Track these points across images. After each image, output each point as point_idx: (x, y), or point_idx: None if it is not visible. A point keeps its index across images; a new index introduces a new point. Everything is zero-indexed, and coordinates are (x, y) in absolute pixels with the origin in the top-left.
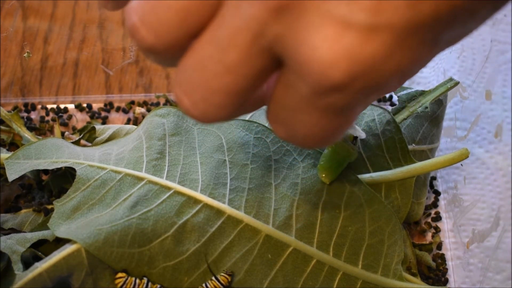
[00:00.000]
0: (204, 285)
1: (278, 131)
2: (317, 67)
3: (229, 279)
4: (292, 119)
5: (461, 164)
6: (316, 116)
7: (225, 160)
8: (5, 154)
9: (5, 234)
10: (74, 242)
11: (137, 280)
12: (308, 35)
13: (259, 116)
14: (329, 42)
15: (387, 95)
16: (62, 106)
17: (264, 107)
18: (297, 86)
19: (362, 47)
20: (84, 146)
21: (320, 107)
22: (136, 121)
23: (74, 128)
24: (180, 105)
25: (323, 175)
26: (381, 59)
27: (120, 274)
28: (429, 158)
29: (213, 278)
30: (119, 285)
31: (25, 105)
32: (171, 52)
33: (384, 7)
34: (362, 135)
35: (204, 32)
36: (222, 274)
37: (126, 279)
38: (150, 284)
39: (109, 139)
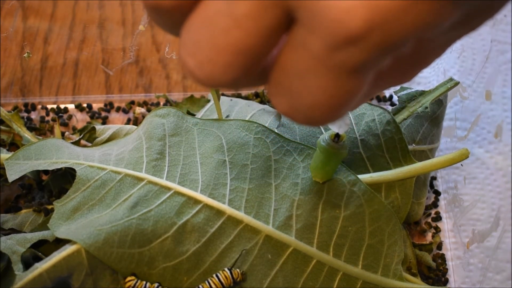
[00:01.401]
0: (206, 281)
1: (280, 103)
2: (334, 13)
3: (241, 278)
4: (298, 86)
5: (461, 164)
6: (326, 78)
7: (225, 160)
8: (5, 155)
9: (5, 235)
10: (74, 242)
11: (148, 284)
12: None
13: (259, 116)
14: None
15: (387, 95)
16: (62, 106)
17: (264, 107)
18: (308, 43)
19: None
20: (84, 146)
21: (331, 66)
22: (136, 121)
23: (74, 128)
24: (185, 67)
25: (313, 175)
26: (401, 7)
27: (129, 278)
28: (429, 158)
29: (226, 269)
30: None
31: (25, 105)
32: (177, 10)
33: None
34: (342, 129)
35: None
36: (235, 270)
37: (136, 282)
38: None
39: (109, 139)
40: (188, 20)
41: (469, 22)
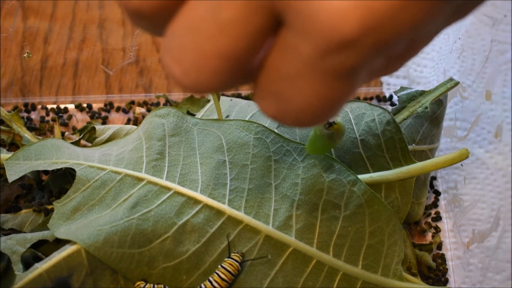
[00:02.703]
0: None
1: (267, 107)
2: (325, 16)
3: (240, 259)
4: (287, 89)
5: (461, 164)
6: (316, 83)
7: (225, 160)
8: (5, 155)
9: (5, 235)
10: (74, 242)
11: (156, 286)
12: None
13: (259, 116)
14: None
15: (387, 95)
16: (62, 106)
17: None
18: (298, 48)
19: None
20: (84, 146)
21: (323, 70)
22: (136, 121)
23: (74, 128)
24: (170, 75)
25: (306, 145)
26: (395, 8)
27: (139, 282)
28: (429, 158)
29: (228, 258)
30: None
31: (25, 105)
32: (159, 14)
33: None
34: (332, 118)
35: None
36: (233, 253)
37: (145, 286)
38: None
39: (109, 139)
40: (171, 25)
41: (459, 13)
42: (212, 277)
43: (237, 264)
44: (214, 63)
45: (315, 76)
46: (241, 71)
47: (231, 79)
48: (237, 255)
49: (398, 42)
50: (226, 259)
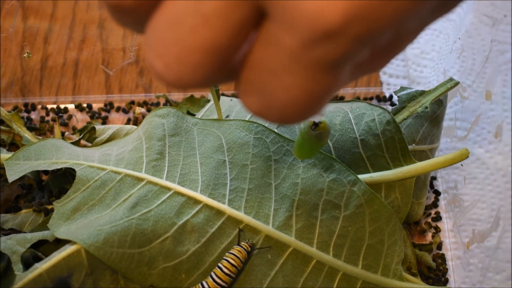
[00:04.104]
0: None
1: (251, 103)
2: (309, 8)
3: (248, 249)
4: (270, 84)
5: (461, 164)
6: (300, 76)
7: (225, 160)
8: (5, 155)
9: (5, 235)
10: (74, 242)
11: None
12: None
13: None
14: None
15: (387, 95)
16: (62, 106)
17: None
18: (281, 40)
19: None
20: (84, 146)
21: (307, 63)
22: (136, 121)
23: (74, 128)
24: (152, 70)
25: (294, 150)
26: None
27: None
28: (429, 158)
29: (237, 246)
30: None
31: (25, 105)
32: (140, 9)
33: None
34: (317, 118)
35: None
36: (243, 242)
37: None
38: None
39: (109, 139)
40: (153, 19)
41: (446, 5)
42: (221, 263)
43: (245, 252)
44: (196, 57)
45: (299, 69)
46: (224, 66)
47: (214, 74)
48: (246, 244)
49: (383, 33)
50: (235, 246)
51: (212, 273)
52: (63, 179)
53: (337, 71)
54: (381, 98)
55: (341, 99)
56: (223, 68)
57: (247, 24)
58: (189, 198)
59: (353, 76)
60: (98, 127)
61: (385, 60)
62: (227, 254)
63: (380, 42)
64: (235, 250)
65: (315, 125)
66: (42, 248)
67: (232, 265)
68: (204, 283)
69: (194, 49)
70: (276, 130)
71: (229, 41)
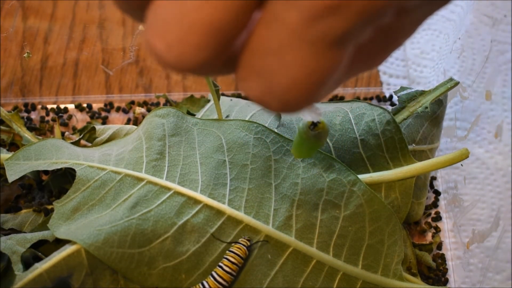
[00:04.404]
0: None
1: (251, 88)
2: None
3: (248, 244)
4: (272, 65)
5: (461, 164)
6: (304, 53)
7: (225, 160)
8: (5, 155)
9: (5, 235)
10: (74, 242)
11: None
12: None
13: (259, 116)
14: None
15: (387, 95)
16: (62, 106)
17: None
18: (285, 17)
19: None
20: (84, 146)
21: (311, 39)
22: (136, 121)
23: (74, 128)
24: (153, 51)
25: (292, 150)
26: None
27: None
28: (429, 158)
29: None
30: None
31: (25, 105)
32: None
33: None
34: (315, 118)
35: None
36: (241, 239)
37: None
38: None
39: (109, 139)
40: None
41: None
42: (222, 263)
43: (245, 248)
44: (198, 36)
45: (303, 45)
46: (225, 48)
47: (215, 57)
48: (245, 240)
49: (386, 10)
50: (233, 244)
51: (213, 273)
52: (63, 179)
53: (340, 49)
54: (381, 98)
55: (341, 99)
56: (225, 50)
57: (250, 3)
58: (189, 198)
59: (353, 69)
60: (98, 127)
61: (383, 54)
62: (227, 252)
63: (383, 22)
64: (234, 248)
65: (314, 125)
66: (42, 248)
67: (233, 263)
68: (205, 283)
69: (197, 28)
70: (276, 130)
71: (232, 20)
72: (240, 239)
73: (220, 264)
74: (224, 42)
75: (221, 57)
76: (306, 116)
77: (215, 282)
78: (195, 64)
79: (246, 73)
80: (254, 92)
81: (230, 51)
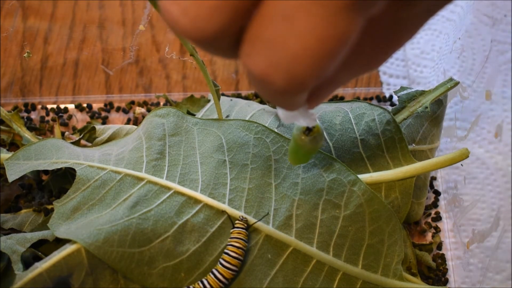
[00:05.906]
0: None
1: (256, 62)
2: None
3: (244, 225)
4: (282, 32)
5: (461, 164)
6: (316, 16)
7: (225, 160)
8: (5, 154)
9: (5, 234)
10: (74, 242)
11: None
12: None
13: (259, 116)
14: None
15: (387, 95)
16: (62, 106)
17: (264, 107)
18: None
19: None
20: (84, 146)
21: (325, 1)
22: (136, 121)
23: (74, 128)
24: (168, 16)
25: (288, 157)
26: None
27: None
28: (429, 158)
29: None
30: None
31: (25, 105)
32: (227, 30)
33: None
34: (311, 123)
35: None
36: (237, 221)
37: None
38: None
39: (109, 139)
40: None
41: None
42: (227, 249)
43: (244, 231)
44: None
45: (315, 9)
46: (239, 17)
47: (228, 24)
48: (240, 222)
49: None
50: (232, 229)
51: (221, 259)
52: (63, 179)
53: (354, 17)
54: (381, 98)
55: (341, 99)
56: (239, 20)
57: None
58: (189, 197)
59: (355, 69)
60: (98, 127)
61: (386, 53)
62: (229, 239)
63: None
64: (235, 232)
65: (309, 130)
66: (42, 248)
67: (238, 247)
68: (214, 271)
69: None
70: (276, 130)
71: None
72: (236, 222)
73: (227, 251)
74: (239, 9)
75: (234, 28)
76: (300, 121)
77: (224, 268)
78: (208, 31)
79: (252, 47)
80: (259, 65)
81: (241, 24)
